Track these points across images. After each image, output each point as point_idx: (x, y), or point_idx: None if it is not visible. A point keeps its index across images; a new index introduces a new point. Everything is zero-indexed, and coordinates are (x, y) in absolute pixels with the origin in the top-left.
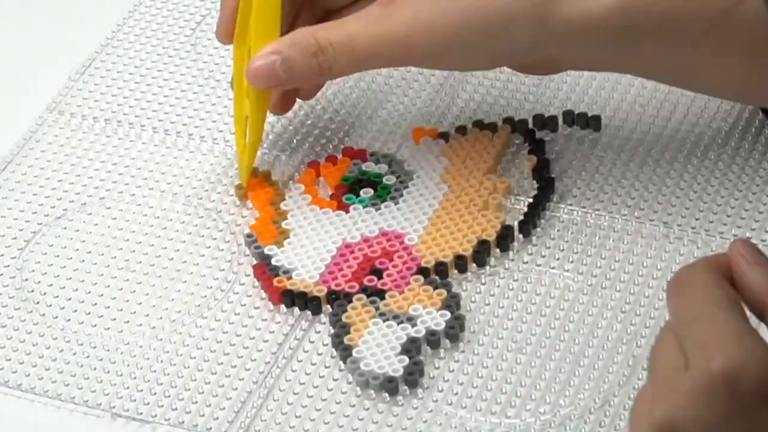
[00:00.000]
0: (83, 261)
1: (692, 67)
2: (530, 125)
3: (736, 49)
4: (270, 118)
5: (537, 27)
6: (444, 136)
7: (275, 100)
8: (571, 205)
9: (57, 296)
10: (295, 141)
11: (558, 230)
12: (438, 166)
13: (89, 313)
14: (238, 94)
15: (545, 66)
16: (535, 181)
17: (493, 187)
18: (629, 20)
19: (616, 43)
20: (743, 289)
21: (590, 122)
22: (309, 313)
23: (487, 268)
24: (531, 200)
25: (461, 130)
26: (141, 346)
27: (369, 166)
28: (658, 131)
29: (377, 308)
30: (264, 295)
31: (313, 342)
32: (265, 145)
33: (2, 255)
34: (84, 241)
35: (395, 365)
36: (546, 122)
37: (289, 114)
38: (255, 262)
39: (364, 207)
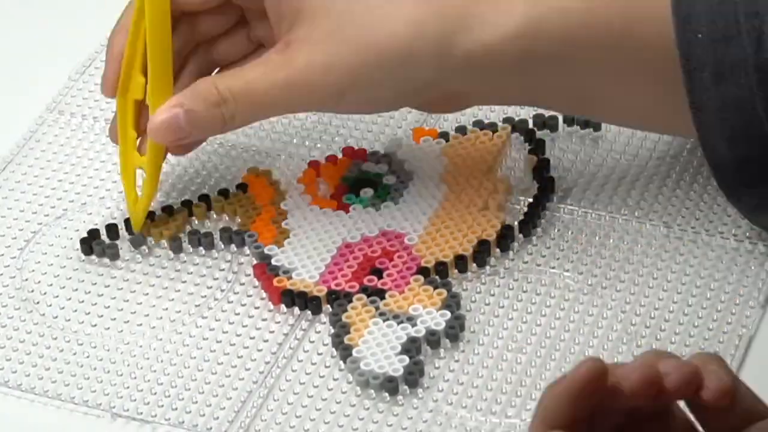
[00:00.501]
0: (83, 261)
1: (597, 96)
2: (530, 125)
3: (639, 70)
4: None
5: (437, 63)
6: (444, 135)
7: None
8: (571, 204)
9: (57, 296)
10: (295, 141)
11: (558, 230)
12: (438, 166)
13: (89, 313)
14: (123, 146)
15: (451, 102)
16: (535, 181)
17: (493, 187)
18: (528, 49)
19: (519, 73)
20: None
21: (590, 122)
22: (309, 312)
23: (488, 268)
24: (531, 200)
25: (461, 129)
26: (141, 346)
27: (369, 166)
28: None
29: (377, 308)
30: (264, 294)
31: (313, 342)
32: (266, 145)
33: (2, 255)
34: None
35: (395, 365)
36: (546, 122)
37: (289, 114)
38: (255, 261)
39: (364, 207)
